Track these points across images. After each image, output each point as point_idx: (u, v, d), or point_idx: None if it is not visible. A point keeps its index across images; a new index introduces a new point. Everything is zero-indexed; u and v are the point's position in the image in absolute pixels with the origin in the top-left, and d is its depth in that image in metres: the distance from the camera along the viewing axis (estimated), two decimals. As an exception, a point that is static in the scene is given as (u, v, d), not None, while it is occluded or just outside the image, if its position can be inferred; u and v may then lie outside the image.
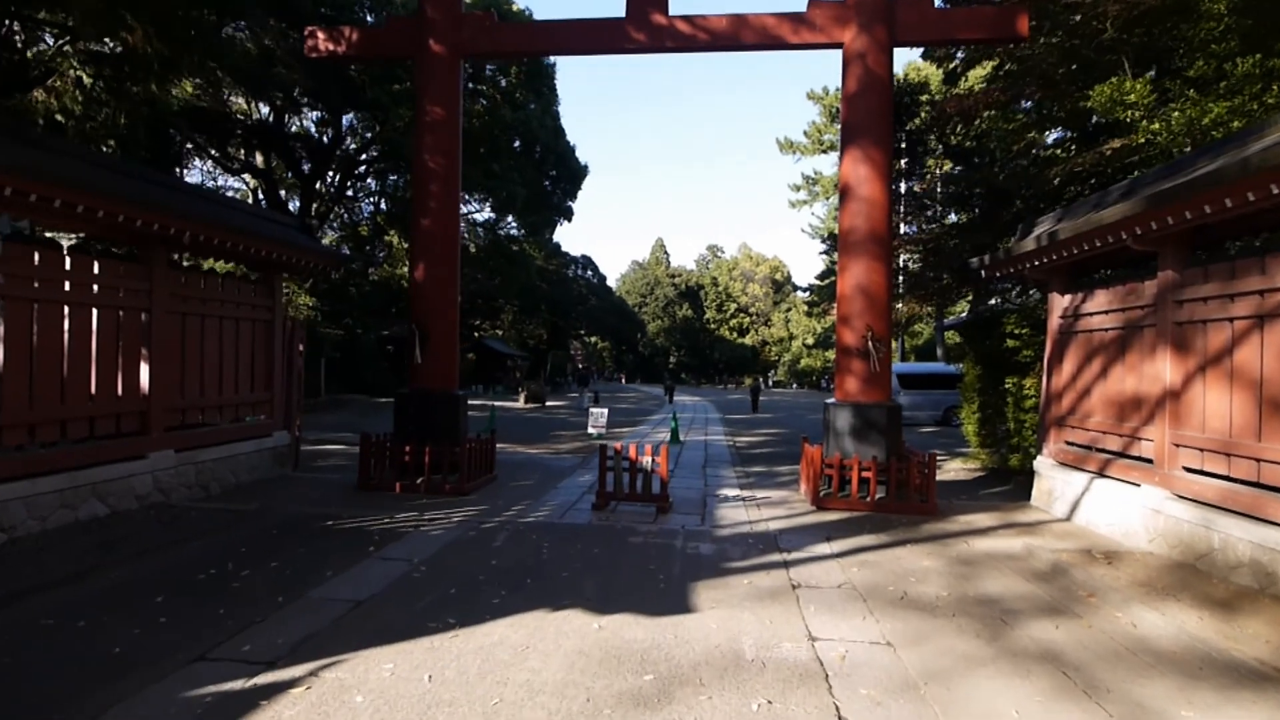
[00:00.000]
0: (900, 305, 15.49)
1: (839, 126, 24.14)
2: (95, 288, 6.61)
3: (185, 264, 8.79)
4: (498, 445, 13.78)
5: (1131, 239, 6.10)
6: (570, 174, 28.03)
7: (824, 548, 6.10)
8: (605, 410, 15.70)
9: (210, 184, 28.64)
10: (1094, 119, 10.32)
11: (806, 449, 8.57)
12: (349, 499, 7.82)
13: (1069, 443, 7.88)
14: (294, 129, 26.99)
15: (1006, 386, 9.91)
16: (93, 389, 6.61)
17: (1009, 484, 9.88)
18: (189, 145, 21.95)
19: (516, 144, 26.75)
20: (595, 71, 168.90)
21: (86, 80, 11.48)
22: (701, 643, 3.92)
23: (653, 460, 7.42)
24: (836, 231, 9.31)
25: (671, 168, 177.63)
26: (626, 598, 4.63)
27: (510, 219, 29.26)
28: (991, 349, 10.61)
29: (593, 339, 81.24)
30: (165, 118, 19.59)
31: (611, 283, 78.86)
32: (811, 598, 4.76)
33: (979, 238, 10.58)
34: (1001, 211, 10.87)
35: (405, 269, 34.71)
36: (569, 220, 29.65)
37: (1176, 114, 7.78)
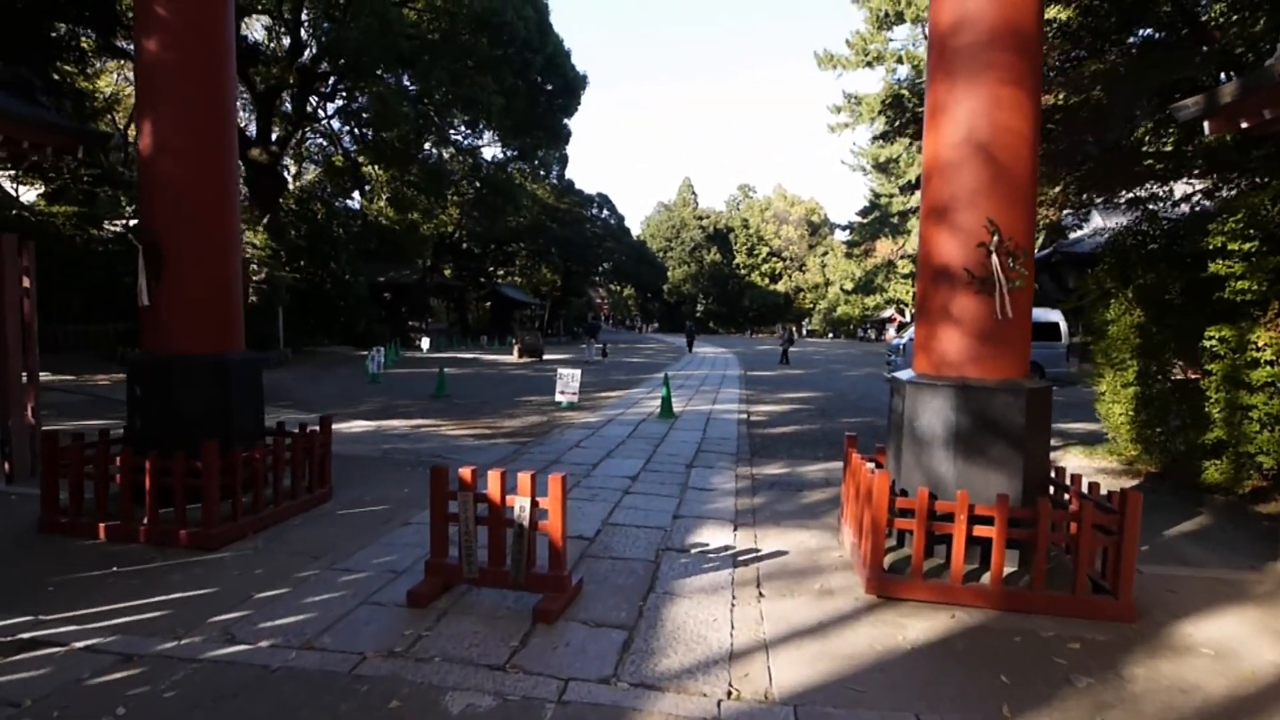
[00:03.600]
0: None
1: (886, 34, 19.39)
2: None
3: None
4: (415, 424, 9.63)
5: None
6: (564, 84, 23.32)
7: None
8: (577, 372, 11.81)
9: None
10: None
11: (855, 464, 4.56)
12: (-13, 561, 4.16)
13: None
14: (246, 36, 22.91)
15: (1207, 343, 5.71)
16: None
17: (1199, 509, 5.80)
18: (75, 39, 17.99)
19: (503, 49, 22.19)
20: None
21: None
22: None
23: (532, 507, 3.51)
24: (925, 61, 4.96)
25: (702, 107, 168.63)
26: None
27: (492, 138, 24.73)
28: (1165, 280, 6.40)
29: (615, 286, 77.33)
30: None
31: (635, 227, 74.33)
32: None
33: (1172, 73, 6.17)
34: (1201, 37, 6.39)
35: (383, 203, 30.80)
36: (565, 143, 25.16)
37: None
